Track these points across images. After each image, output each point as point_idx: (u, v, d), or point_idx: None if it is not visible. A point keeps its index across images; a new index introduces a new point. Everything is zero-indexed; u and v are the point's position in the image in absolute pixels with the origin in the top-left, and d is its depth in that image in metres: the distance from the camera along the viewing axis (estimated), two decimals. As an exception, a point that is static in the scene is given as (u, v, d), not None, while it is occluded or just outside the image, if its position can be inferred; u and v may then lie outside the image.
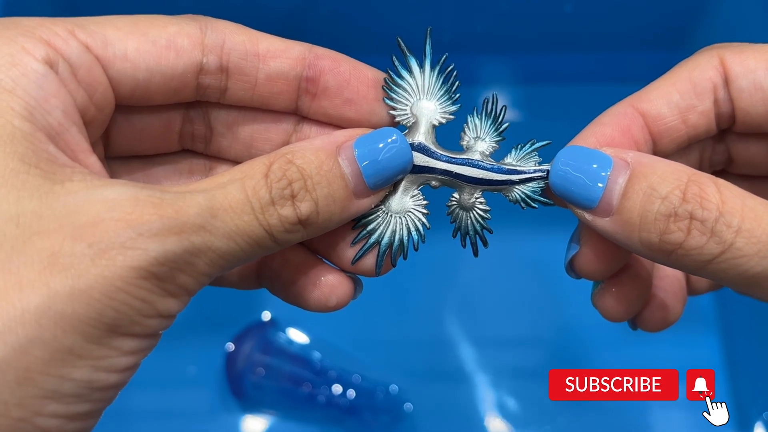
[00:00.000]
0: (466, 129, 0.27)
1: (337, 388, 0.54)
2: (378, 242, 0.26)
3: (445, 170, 0.26)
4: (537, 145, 0.27)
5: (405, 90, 0.26)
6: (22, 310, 0.19)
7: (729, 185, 0.22)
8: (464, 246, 0.27)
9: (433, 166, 0.26)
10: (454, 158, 0.26)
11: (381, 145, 0.24)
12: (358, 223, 0.26)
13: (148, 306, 0.20)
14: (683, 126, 0.26)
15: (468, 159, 0.26)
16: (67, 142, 0.21)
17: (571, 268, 0.28)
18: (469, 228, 0.27)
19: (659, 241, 0.22)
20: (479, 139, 0.27)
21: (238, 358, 0.54)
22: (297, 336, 0.57)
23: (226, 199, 0.21)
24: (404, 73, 0.26)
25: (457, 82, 0.27)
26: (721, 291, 0.58)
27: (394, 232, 0.26)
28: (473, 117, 0.27)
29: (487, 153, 0.27)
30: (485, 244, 0.27)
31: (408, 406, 0.55)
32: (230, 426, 0.54)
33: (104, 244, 0.19)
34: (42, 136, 0.21)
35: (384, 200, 0.26)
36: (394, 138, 0.24)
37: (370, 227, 0.26)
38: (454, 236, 0.27)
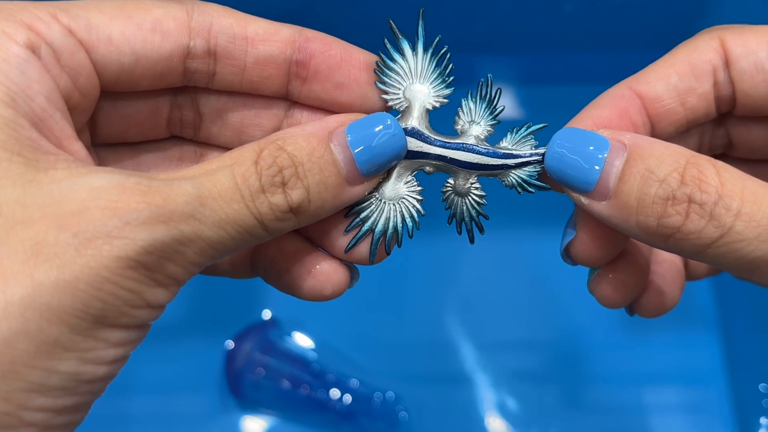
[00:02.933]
0: (460, 113, 0.26)
1: (334, 392, 0.54)
2: (372, 230, 0.26)
3: (440, 155, 0.26)
4: (533, 128, 0.26)
5: (397, 74, 0.26)
6: (6, 302, 0.18)
7: (728, 167, 0.22)
8: (460, 233, 0.26)
9: (427, 151, 0.26)
10: (448, 143, 0.26)
11: (374, 131, 0.24)
12: (351, 210, 0.26)
13: (135, 296, 0.20)
14: (682, 109, 0.25)
15: (463, 144, 0.26)
16: (51, 129, 0.21)
17: (567, 254, 0.27)
18: (465, 214, 0.26)
19: (657, 225, 0.22)
20: (474, 123, 0.26)
21: (237, 357, 0.54)
22: (297, 337, 0.57)
23: (216, 187, 0.21)
24: (396, 56, 0.26)
25: (450, 65, 0.26)
26: (721, 291, 0.59)
27: (387, 219, 0.26)
28: (467, 100, 0.26)
29: (482, 137, 0.26)
30: (481, 230, 0.26)
31: (403, 414, 0.55)
32: (229, 426, 0.54)
33: (89, 234, 0.19)
34: (25, 122, 0.20)
35: (377, 187, 0.26)
36: (387, 123, 0.24)
37: (363, 215, 0.26)
38: (450, 223, 0.26)
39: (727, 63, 0.25)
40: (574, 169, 0.23)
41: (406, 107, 0.26)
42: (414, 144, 0.26)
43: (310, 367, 0.55)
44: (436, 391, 0.56)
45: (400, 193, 0.26)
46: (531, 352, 0.57)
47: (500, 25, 0.58)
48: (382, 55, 0.26)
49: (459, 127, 0.26)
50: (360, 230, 0.26)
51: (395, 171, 0.26)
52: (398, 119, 0.26)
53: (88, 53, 0.22)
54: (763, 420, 0.54)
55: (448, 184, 0.26)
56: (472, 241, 0.26)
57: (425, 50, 0.26)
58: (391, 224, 0.26)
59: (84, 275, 0.19)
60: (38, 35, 0.21)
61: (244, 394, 0.54)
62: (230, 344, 0.55)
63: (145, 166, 0.26)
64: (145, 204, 0.19)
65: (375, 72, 0.26)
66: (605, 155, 0.23)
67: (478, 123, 0.26)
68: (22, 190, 0.19)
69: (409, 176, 0.26)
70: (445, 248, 0.57)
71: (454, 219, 0.26)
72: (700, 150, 0.28)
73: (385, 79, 0.26)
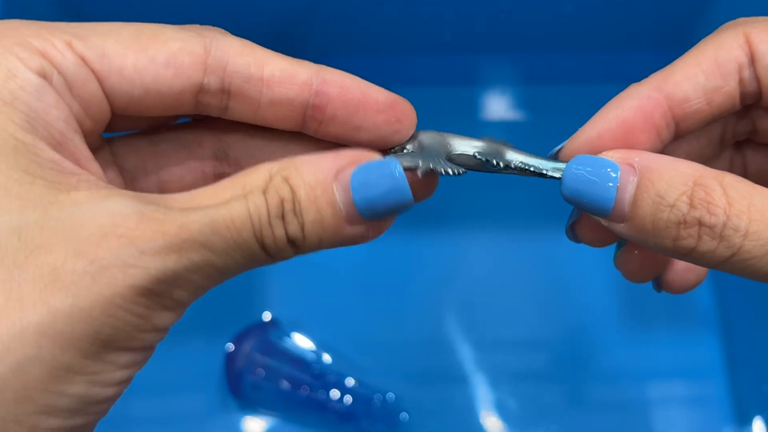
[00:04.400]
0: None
1: (334, 393, 0.54)
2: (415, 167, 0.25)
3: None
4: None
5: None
6: (22, 329, 0.18)
7: (735, 184, 0.22)
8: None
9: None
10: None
11: (377, 179, 0.23)
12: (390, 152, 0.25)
13: (144, 321, 0.20)
14: (708, 107, 0.26)
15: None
16: (70, 152, 0.21)
17: (572, 231, 0.27)
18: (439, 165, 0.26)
19: (673, 246, 0.23)
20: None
21: (237, 358, 0.54)
22: (297, 338, 0.57)
23: (229, 216, 0.21)
24: None
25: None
26: (721, 291, 0.59)
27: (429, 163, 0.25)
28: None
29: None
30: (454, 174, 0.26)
31: (404, 415, 0.55)
32: (228, 426, 0.54)
33: (106, 262, 0.19)
34: (45, 146, 0.20)
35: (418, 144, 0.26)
36: (395, 175, 0.23)
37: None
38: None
39: (752, 60, 0.25)
40: (590, 198, 0.24)
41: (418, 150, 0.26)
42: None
43: (310, 367, 0.55)
44: (437, 391, 0.56)
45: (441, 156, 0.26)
46: (532, 351, 0.57)
47: (500, 25, 0.58)
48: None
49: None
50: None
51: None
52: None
53: (100, 82, 0.22)
54: (761, 420, 0.54)
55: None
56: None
57: None
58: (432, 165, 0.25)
59: (98, 303, 0.19)
60: (51, 63, 0.21)
61: (244, 395, 0.54)
62: (230, 347, 0.55)
63: (165, 156, 0.26)
64: (161, 234, 0.20)
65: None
66: (617, 184, 0.23)
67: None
68: (43, 211, 0.19)
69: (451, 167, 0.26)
70: (445, 248, 0.57)
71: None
72: (723, 137, 0.29)
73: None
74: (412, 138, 0.26)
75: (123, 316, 0.19)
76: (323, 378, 0.55)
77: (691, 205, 0.22)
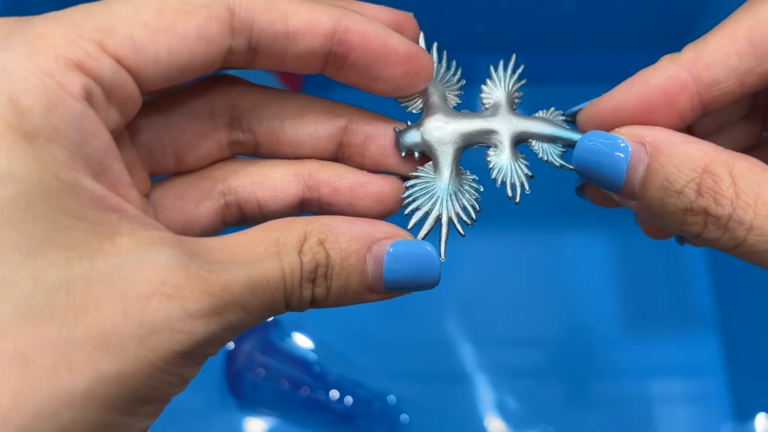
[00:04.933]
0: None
1: (334, 394, 0.54)
2: (436, 217, 0.26)
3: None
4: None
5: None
6: (70, 393, 0.18)
7: (746, 174, 0.22)
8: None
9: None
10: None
11: (413, 259, 0.24)
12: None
13: (179, 379, 0.20)
14: (740, 88, 0.25)
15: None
16: (110, 180, 0.21)
17: (582, 191, 0.27)
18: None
19: (680, 229, 0.23)
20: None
21: (237, 357, 0.54)
22: (297, 337, 0.57)
23: (265, 276, 0.21)
24: None
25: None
26: (721, 291, 0.59)
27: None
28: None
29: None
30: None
31: (404, 417, 0.55)
32: (228, 425, 0.54)
33: (154, 325, 0.19)
34: (86, 180, 0.20)
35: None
36: (431, 255, 0.24)
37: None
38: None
39: None
40: (600, 177, 0.24)
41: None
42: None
43: (310, 368, 0.55)
44: (437, 392, 0.56)
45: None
46: (532, 351, 0.57)
47: (500, 25, 0.58)
48: None
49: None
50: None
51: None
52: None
53: (135, 78, 0.21)
54: (761, 419, 0.54)
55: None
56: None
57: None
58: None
59: (143, 367, 0.19)
60: (90, 76, 0.20)
61: (244, 394, 0.54)
62: (230, 345, 0.55)
63: (179, 129, 0.26)
64: (206, 294, 0.20)
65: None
66: (627, 165, 0.23)
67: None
68: (90, 264, 0.19)
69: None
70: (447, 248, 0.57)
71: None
72: (755, 106, 0.28)
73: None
74: (419, 126, 0.26)
75: (163, 377, 0.20)
76: (323, 378, 0.55)
77: (699, 193, 0.22)
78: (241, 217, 0.27)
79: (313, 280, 0.22)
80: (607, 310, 0.58)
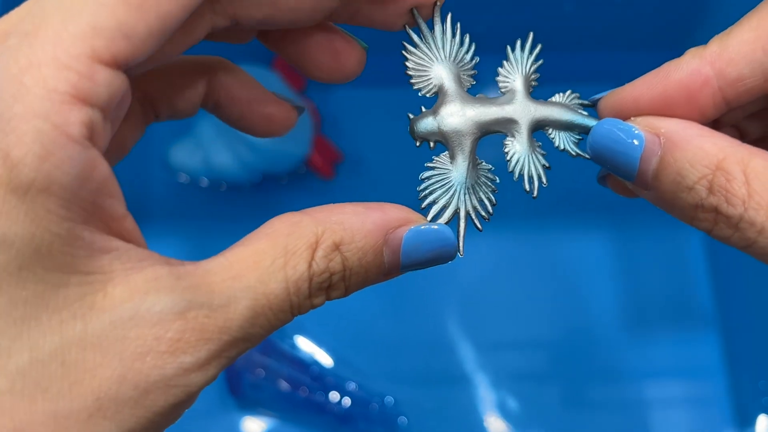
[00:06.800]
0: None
1: (333, 395, 0.54)
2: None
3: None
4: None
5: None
6: None
7: (760, 173, 0.21)
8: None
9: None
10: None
11: (429, 244, 0.23)
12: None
13: (177, 417, 0.20)
14: (764, 84, 0.24)
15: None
16: (102, 219, 0.19)
17: (603, 180, 0.27)
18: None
19: (691, 223, 0.23)
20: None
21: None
22: (297, 338, 0.57)
23: (268, 300, 0.20)
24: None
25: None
26: (721, 291, 0.59)
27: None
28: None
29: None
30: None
31: (403, 419, 0.55)
32: (228, 425, 0.54)
33: (149, 386, 0.19)
34: (78, 228, 0.19)
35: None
36: (449, 240, 0.23)
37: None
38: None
39: None
40: (614, 161, 0.23)
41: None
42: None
43: (309, 369, 0.55)
44: (436, 394, 0.56)
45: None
46: (532, 352, 0.57)
47: (500, 25, 0.58)
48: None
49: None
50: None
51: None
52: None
53: (133, 63, 0.19)
54: (761, 420, 0.54)
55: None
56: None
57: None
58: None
59: (140, 425, 0.19)
60: (88, 104, 0.18)
61: (243, 395, 0.54)
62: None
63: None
64: (204, 342, 0.20)
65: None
66: (640, 155, 0.23)
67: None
68: (83, 325, 0.19)
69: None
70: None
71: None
72: None
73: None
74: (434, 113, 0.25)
75: (160, 426, 0.20)
76: (322, 380, 0.55)
77: (710, 191, 0.22)
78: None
79: (327, 288, 0.22)
80: (608, 312, 0.58)
